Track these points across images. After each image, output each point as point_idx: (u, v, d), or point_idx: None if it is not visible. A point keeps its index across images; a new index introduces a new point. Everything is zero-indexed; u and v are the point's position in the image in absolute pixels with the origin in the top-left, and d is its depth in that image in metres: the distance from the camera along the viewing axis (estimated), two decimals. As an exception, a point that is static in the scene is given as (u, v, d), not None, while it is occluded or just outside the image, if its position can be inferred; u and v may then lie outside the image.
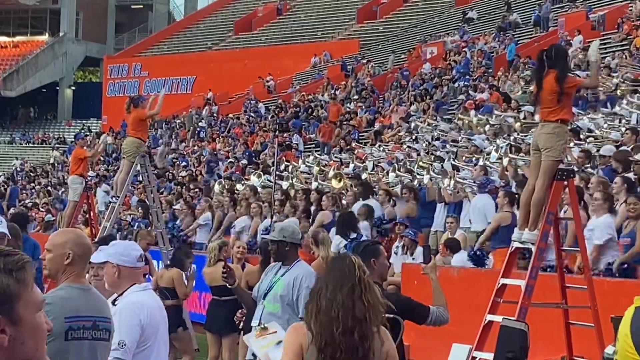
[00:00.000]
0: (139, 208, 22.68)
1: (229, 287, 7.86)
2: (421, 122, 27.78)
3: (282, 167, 24.40)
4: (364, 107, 34.66)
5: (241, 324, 10.82)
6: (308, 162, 24.80)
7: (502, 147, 17.34)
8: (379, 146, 25.76)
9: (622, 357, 3.01)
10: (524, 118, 21.29)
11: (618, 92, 22.27)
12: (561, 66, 9.04)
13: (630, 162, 13.36)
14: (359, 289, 4.38)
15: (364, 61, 42.36)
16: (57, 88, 66.07)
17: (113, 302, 5.82)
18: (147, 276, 10.76)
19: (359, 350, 4.26)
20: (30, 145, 58.15)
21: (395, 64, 40.13)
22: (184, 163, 34.46)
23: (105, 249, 6.01)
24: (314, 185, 19.47)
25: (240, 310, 10.84)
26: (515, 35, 35.79)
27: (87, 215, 19.21)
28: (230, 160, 31.70)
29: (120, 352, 5.54)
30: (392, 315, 6.27)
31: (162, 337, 5.80)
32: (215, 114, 44.98)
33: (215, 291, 11.58)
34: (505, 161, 16.22)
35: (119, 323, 5.59)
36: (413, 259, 13.45)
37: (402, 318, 6.40)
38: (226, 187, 22.37)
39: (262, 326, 6.98)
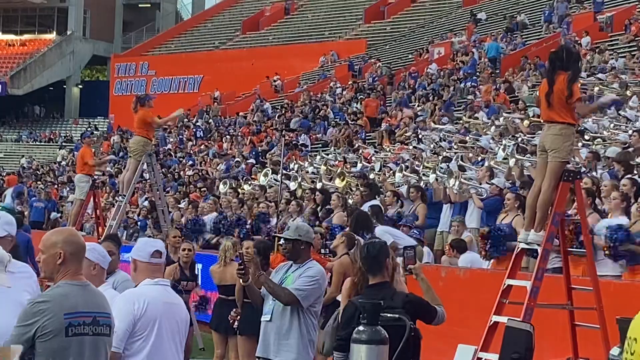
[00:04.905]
0: (144, 207, 22.65)
1: (243, 284, 7.90)
2: (427, 123, 27.71)
3: (292, 165, 24.35)
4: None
5: (235, 324, 10.83)
6: (315, 162, 24.72)
7: (508, 147, 17.27)
8: (385, 147, 25.69)
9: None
10: (533, 116, 21.21)
11: (627, 92, 22.18)
12: (574, 69, 9.03)
13: (632, 165, 13.40)
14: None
15: (372, 61, 42.31)
16: (65, 86, 66.13)
17: None
18: None
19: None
20: (37, 143, 58.18)
21: (403, 65, 40.09)
22: (190, 162, 34.47)
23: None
24: (319, 185, 19.40)
25: (234, 310, 10.84)
26: (524, 36, 35.73)
27: (94, 214, 19.19)
28: (237, 159, 31.68)
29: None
30: (397, 316, 6.24)
31: (165, 332, 5.77)
32: (221, 115, 44.99)
33: (223, 290, 11.54)
34: (511, 162, 16.16)
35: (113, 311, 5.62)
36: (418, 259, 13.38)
37: (415, 317, 6.45)
38: (233, 186, 22.33)
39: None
